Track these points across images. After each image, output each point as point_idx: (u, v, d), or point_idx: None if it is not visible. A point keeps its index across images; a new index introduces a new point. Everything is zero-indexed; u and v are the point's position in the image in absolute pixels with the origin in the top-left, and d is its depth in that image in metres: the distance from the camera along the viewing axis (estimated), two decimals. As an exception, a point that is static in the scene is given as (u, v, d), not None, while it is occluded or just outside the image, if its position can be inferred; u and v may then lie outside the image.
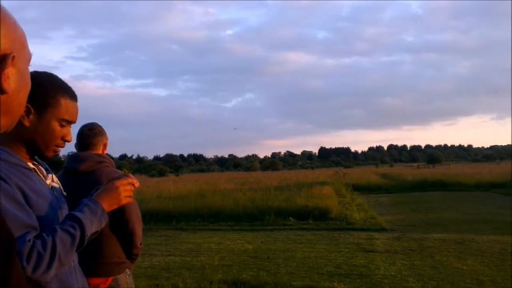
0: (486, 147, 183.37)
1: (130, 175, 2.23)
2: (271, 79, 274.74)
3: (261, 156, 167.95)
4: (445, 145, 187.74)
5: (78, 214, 1.88)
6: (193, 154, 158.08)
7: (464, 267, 9.14)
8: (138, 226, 3.32)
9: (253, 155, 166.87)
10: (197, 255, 11.06)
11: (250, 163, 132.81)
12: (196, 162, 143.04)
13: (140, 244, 3.38)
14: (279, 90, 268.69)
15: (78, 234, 1.82)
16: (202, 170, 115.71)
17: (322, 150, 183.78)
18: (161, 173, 77.49)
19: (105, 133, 3.49)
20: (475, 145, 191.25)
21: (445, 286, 7.86)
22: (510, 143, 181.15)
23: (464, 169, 55.85)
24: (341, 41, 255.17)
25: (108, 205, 2.00)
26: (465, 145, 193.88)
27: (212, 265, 9.46)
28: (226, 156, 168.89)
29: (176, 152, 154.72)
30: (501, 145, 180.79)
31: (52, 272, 1.69)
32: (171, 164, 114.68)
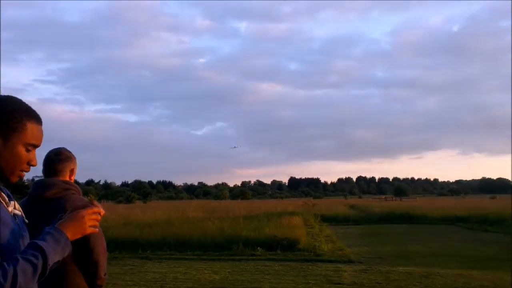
0: (451, 181, 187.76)
1: (96, 202, 2.19)
2: (243, 108, 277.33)
3: (231, 184, 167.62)
4: (412, 178, 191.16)
5: (40, 243, 1.82)
6: (162, 181, 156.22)
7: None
8: (102, 256, 3.25)
9: (223, 183, 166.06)
10: (162, 285, 10.84)
11: (220, 191, 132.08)
12: (165, 189, 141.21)
13: (105, 275, 3.30)
14: (250, 119, 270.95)
15: (40, 263, 1.76)
16: (171, 198, 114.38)
17: (292, 180, 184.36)
18: (129, 200, 76.13)
19: (74, 159, 3.44)
20: (441, 179, 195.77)
21: (410, 319, 7.89)
22: (474, 178, 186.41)
23: (430, 202, 56.88)
24: (313, 73, 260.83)
25: (72, 234, 1.95)
26: (432, 179, 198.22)
27: (178, 295, 9.28)
28: (196, 183, 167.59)
29: (145, 178, 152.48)
30: (466, 180, 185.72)
31: None
32: (139, 191, 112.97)
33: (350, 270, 13.17)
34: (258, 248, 16.81)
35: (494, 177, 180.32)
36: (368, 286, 10.86)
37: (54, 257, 1.85)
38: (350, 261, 15.09)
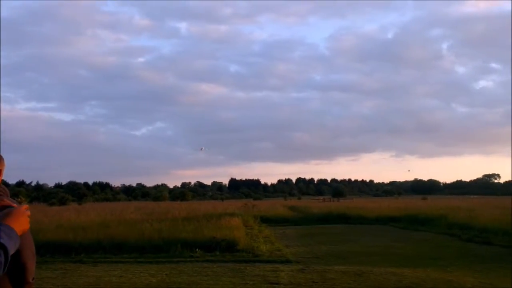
0: (386, 182, 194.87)
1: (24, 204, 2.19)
2: (183, 108, 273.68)
3: (171, 185, 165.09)
4: (349, 180, 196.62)
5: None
6: (99, 182, 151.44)
7: (363, 298, 9.50)
8: (30, 259, 3.09)
9: (162, 184, 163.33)
10: (96, 289, 10.51)
11: (159, 192, 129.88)
12: (101, 191, 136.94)
13: (33, 279, 3.14)
14: (190, 120, 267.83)
15: (2, 259, 1.82)
16: (107, 199, 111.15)
17: (232, 181, 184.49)
18: (62, 202, 73.12)
19: (1, 159, 3.26)
20: (376, 181, 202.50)
21: (344, 317, 8.10)
22: (407, 179, 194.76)
23: (365, 203, 58.72)
24: (252, 75, 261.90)
25: (17, 229, 1.98)
26: (367, 180, 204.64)
27: (112, 299, 9.03)
28: (134, 185, 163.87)
29: (80, 179, 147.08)
30: (399, 181, 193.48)
31: None
32: (74, 192, 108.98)
33: (287, 270, 13.35)
34: (197, 249, 16.69)
35: (425, 178, 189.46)
36: (305, 285, 11.05)
37: (12, 252, 1.89)
38: (287, 261, 15.30)
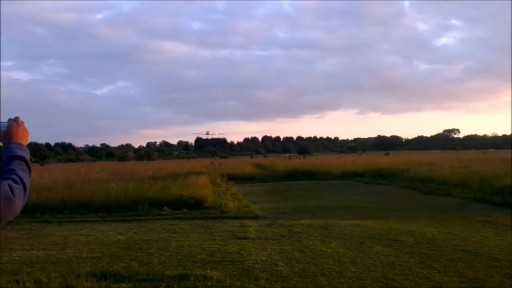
0: (350, 139, 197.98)
1: None
2: (146, 67, 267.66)
3: (136, 145, 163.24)
4: (315, 137, 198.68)
5: (17, 152, 2.19)
6: (61, 143, 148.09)
7: (328, 250, 9.78)
8: None
9: (127, 144, 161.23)
10: (63, 248, 10.42)
11: (124, 152, 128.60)
12: (64, 152, 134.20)
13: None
14: (154, 79, 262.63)
15: (26, 169, 2.19)
16: (71, 160, 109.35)
17: (199, 140, 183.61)
18: (25, 163, 71.38)
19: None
20: (341, 138, 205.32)
21: (310, 268, 8.33)
22: (371, 136, 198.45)
23: (330, 159, 59.83)
24: (216, 33, 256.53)
25: (25, 142, 2.30)
26: (332, 137, 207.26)
27: (80, 258, 8.96)
28: (98, 145, 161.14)
29: (42, 140, 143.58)
30: (363, 138, 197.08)
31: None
32: (36, 153, 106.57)
33: (255, 225, 13.55)
34: (164, 207, 16.70)
35: (388, 134, 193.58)
36: (272, 239, 11.26)
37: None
38: (255, 217, 15.52)
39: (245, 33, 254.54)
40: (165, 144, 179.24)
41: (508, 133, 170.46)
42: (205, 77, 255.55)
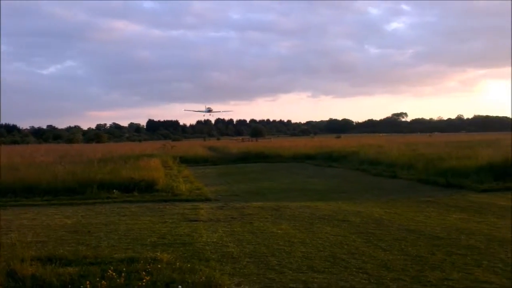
0: (303, 122, 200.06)
1: None
2: (95, 47, 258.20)
3: (85, 127, 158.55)
4: (268, 120, 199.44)
5: None
6: (5, 125, 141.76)
7: (279, 231, 9.90)
8: None
9: (75, 126, 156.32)
10: (6, 233, 10.03)
11: (72, 134, 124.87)
12: (8, 133, 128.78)
13: None
14: (104, 59, 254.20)
15: None
16: (15, 142, 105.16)
17: (151, 122, 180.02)
18: (-35, 145, 68.25)
19: None
20: (293, 121, 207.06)
21: (261, 249, 8.41)
22: (323, 119, 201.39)
23: (283, 142, 60.42)
24: (168, 13, 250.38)
25: None
26: (285, 120, 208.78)
27: (24, 242, 8.65)
28: (44, 127, 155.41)
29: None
30: (315, 121, 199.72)
31: None
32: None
33: (207, 207, 13.54)
34: (114, 190, 16.37)
35: (339, 118, 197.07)
36: (224, 221, 11.29)
37: None
38: (207, 200, 15.50)
39: (198, 13, 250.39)
40: (116, 126, 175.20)
41: (453, 117, 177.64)
42: (158, 58, 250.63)
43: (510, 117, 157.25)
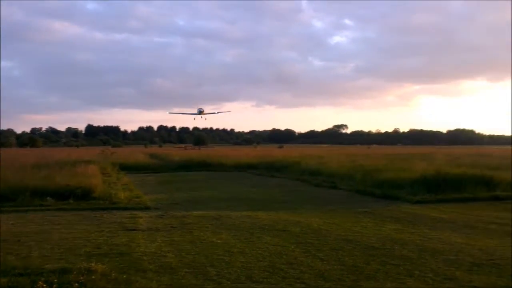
0: (246, 131, 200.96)
1: None
2: (33, 47, 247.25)
3: (18, 131, 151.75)
4: (211, 128, 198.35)
5: None
6: None
7: (219, 241, 9.84)
8: None
9: (8, 129, 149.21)
10: None
11: (5, 138, 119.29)
12: None
13: None
14: (41, 60, 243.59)
15: None
16: None
17: (90, 128, 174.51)
18: None
19: None
20: (237, 129, 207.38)
21: (200, 259, 8.32)
22: (266, 128, 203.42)
23: (226, 151, 60.43)
24: (112, 16, 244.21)
25: None
26: (229, 129, 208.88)
27: None
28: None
29: None
30: (258, 131, 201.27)
31: None
32: None
33: (146, 216, 13.26)
34: (48, 198, 15.71)
35: (282, 128, 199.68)
36: (163, 230, 11.09)
37: None
38: (146, 208, 15.20)
39: (143, 17, 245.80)
40: (52, 131, 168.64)
41: (390, 130, 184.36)
42: (99, 61, 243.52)
43: (444, 131, 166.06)
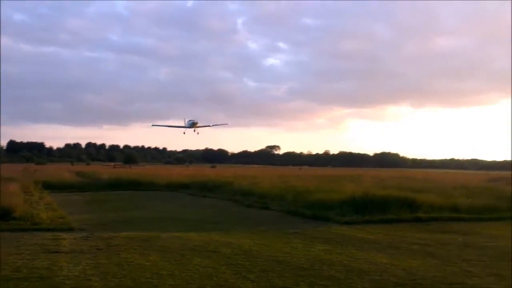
0: (179, 150, 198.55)
1: None
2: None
3: None
4: (143, 147, 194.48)
5: None
6: None
7: (147, 263, 9.56)
8: None
9: None
10: None
11: None
12: None
13: None
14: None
15: None
16: None
17: (12, 143, 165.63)
18: None
19: None
20: (169, 148, 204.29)
21: (127, 282, 8.03)
22: (199, 148, 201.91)
23: (158, 170, 59.37)
24: (41, 28, 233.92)
25: None
26: (161, 148, 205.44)
27: None
28: None
29: None
30: (191, 150, 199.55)
31: None
32: None
33: (70, 238, 12.67)
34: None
35: (216, 148, 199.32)
36: (88, 252, 10.62)
37: None
38: (70, 229, 14.58)
39: (74, 31, 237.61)
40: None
41: (321, 152, 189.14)
42: (25, 74, 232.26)
43: (371, 154, 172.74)
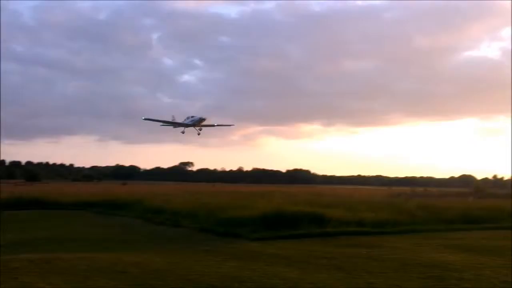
0: (87, 167, 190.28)
1: None
2: None
3: None
4: (47, 163, 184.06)
5: None
6: None
7: (48, 287, 8.99)
8: None
9: None
10: None
11: None
12: None
13: None
14: None
15: None
16: None
17: None
18: None
19: None
20: (76, 165, 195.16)
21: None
22: (109, 164, 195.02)
23: (63, 187, 56.42)
24: None
25: None
26: (67, 164, 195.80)
27: None
28: None
29: None
30: (101, 166, 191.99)
31: None
32: None
33: (-40, 262, 11.60)
34: None
35: (127, 164, 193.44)
36: (-19, 278, 9.78)
37: None
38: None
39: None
40: None
41: (234, 168, 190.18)
42: None
43: (283, 171, 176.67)
